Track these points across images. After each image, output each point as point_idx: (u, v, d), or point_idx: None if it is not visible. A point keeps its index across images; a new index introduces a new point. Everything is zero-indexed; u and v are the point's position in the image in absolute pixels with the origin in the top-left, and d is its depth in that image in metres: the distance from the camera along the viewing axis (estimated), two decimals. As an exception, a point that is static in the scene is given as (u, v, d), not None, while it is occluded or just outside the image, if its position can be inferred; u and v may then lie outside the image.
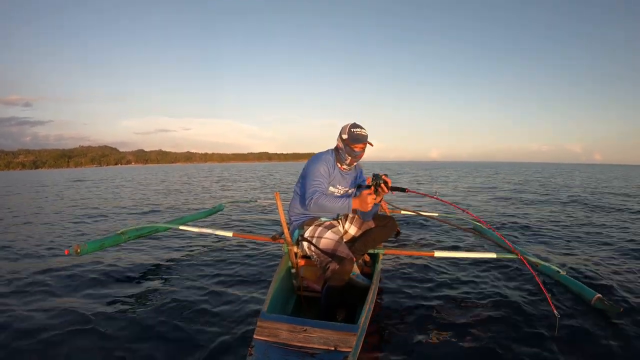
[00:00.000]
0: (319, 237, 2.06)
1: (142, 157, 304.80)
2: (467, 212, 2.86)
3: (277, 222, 5.39)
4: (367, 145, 2.10)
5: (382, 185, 1.90)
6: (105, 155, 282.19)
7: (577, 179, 16.84)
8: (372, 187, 1.91)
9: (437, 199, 2.48)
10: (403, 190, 2.08)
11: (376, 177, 1.91)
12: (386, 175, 1.92)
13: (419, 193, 2.38)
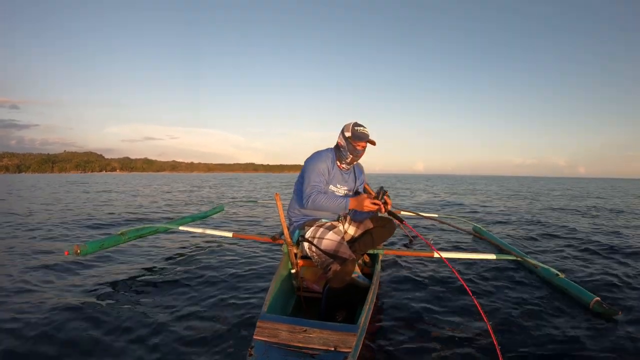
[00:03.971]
0: (320, 238, 2.06)
1: (128, 164, 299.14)
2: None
3: (277, 223, 5.40)
4: (369, 144, 2.13)
5: (387, 198, 1.98)
6: (90, 162, 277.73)
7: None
8: (379, 200, 1.97)
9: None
10: (400, 220, 2.10)
11: (382, 189, 1.98)
12: (388, 195, 1.99)
13: (412, 230, 2.27)
